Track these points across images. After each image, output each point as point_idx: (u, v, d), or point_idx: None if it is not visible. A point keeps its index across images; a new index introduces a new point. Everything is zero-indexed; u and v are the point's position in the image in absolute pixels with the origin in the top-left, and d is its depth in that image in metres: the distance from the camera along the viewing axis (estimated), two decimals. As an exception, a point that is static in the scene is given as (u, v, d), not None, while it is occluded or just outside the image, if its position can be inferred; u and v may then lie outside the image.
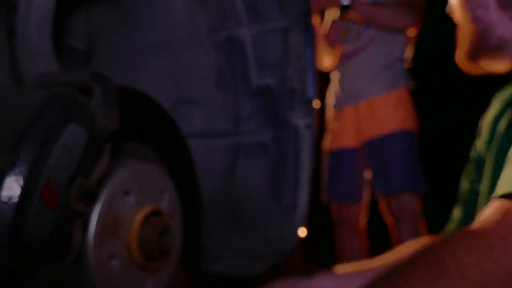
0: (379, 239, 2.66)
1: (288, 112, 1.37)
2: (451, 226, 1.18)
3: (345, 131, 2.55)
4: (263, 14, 1.36)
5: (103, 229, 0.93)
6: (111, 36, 1.46)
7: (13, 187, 0.75)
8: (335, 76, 2.62)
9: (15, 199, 0.75)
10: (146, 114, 1.09)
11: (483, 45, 1.04)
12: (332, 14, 2.53)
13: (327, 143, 2.63)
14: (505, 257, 0.66)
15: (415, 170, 2.45)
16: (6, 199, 0.75)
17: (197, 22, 1.42)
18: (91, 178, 0.88)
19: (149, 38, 1.45)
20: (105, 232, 0.93)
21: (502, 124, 1.04)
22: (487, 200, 0.83)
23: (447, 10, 1.14)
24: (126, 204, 0.98)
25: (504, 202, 0.73)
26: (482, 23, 1.02)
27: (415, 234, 2.35)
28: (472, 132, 1.18)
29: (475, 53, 1.06)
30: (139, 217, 0.99)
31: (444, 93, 3.77)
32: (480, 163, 1.12)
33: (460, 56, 1.09)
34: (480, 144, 1.15)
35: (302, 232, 1.40)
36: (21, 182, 0.75)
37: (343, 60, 2.55)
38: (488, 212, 0.74)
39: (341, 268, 1.12)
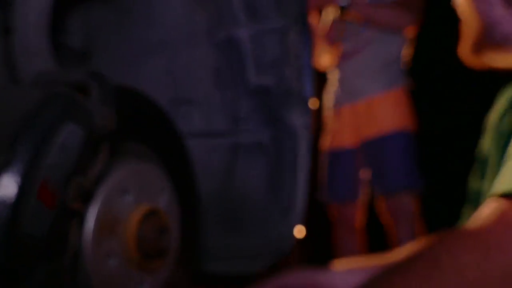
0: (376, 239, 2.66)
1: (286, 112, 1.37)
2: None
3: (343, 130, 2.55)
4: (261, 14, 1.36)
5: (101, 228, 0.93)
6: (109, 35, 1.46)
7: (10, 186, 0.75)
8: (333, 76, 2.62)
9: (12, 199, 0.75)
10: (144, 113, 1.09)
11: (488, 40, 1.03)
12: (330, 13, 2.53)
13: (326, 142, 2.63)
14: (503, 257, 0.66)
15: (413, 169, 2.45)
16: (2, 199, 0.75)
17: (195, 21, 1.42)
18: (89, 177, 0.88)
19: (147, 38, 1.45)
20: (102, 231, 0.93)
21: (507, 122, 1.03)
22: (486, 196, 0.82)
23: (451, 2, 1.14)
24: (124, 203, 0.98)
25: (502, 201, 0.73)
26: (487, 19, 1.02)
27: (413, 234, 2.36)
28: (472, 132, 1.18)
29: (479, 48, 1.05)
30: (137, 216, 0.98)
31: (444, 93, 3.76)
32: (485, 162, 1.12)
33: (464, 51, 1.09)
34: (485, 142, 1.15)
35: (301, 232, 1.40)
36: (18, 181, 0.75)
37: (341, 60, 2.55)
38: (486, 211, 0.73)
39: (340, 264, 1.12)
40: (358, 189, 2.56)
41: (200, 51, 1.43)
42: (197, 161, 1.28)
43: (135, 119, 1.06)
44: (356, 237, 2.58)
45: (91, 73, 0.93)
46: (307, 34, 1.34)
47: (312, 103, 1.40)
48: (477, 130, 1.21)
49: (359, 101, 2.51)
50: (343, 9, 2.42)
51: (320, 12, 2.57)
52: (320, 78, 2.68)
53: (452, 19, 1.17)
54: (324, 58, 2.59)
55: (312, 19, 2.50)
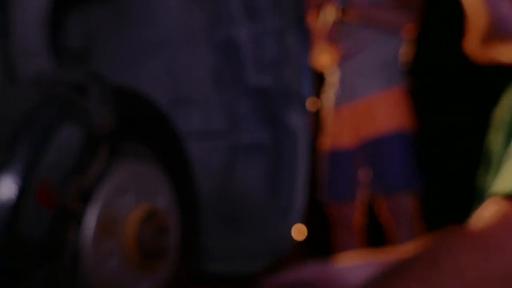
0: (376, 239, 2.66)
1: (285, 112, 1.37)
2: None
3: (342, 130, 2.55)
4: (260, 15, 1.36)
5: (100, 228, 0.93)
6: (108, 35, 1.46)
7: (9, 187, 0.75)
8: (332, 76, 2.62)
9: (11, 199, 0.75)
10: (144, 114, 1.09)
11: (496, 34, 1.03)
12: (328, 13, 2.53)
13: (325, 143, 2.63)
14: (503, 257, 0.66)
15: (412, 169, 2.45)
16: (2, 199, 0.75)
17: (194, 22, 1.42)
18: (88, 178, 0.88)
19: (147, 38, 1.45)
20: (102, 232, 0.93)
21: None
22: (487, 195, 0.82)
23: None
24: (123, 203, 0.98)
25: (503, 202, 0.72)
26: (495, 13, 1.02)
27: (412, 234, 2.36)
28: (472, 132, 1.17)
29: (486, 42, 1.05)
30: (136, 216, 0.98)
31: (444, 93, 3.76)
32: (492, 158, 1.11)
33: (471, 45, 1.08)
34: (492, 139, 1.14)
35: (302, 232, 1.40)
36: (17, 181, 0.75)
37: (340, 60, 2.55)
38: (486, 211, 0.73)
39: (345, 258, 1.11)
40: (357, 189, 2.56)
41: (199, 52, 1.43)
42: (196, 161, 1.28)
43: (134, 119, 1.06)
44: (355, 237, 2.58)
45: (90, 73, 0.92)
46: (305, 35, 1.34)
47: (311, 103, 1.40)
48: (477, 130, 1.20)
49: (359, 101, 2.51)
50: (342, 9, 2.42)
51: (319, 12, 2.57)
52: (319, 78, 2.68)
53: (452, 19, 1.17)
54: (323, 58, 2.59)
55: (311, 19, 2.50)
